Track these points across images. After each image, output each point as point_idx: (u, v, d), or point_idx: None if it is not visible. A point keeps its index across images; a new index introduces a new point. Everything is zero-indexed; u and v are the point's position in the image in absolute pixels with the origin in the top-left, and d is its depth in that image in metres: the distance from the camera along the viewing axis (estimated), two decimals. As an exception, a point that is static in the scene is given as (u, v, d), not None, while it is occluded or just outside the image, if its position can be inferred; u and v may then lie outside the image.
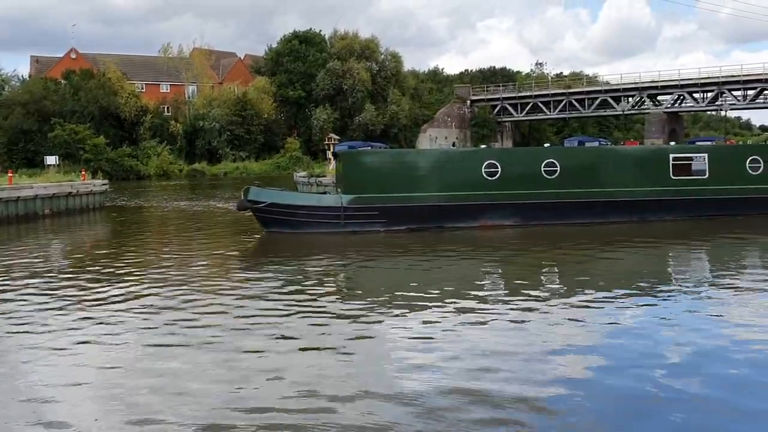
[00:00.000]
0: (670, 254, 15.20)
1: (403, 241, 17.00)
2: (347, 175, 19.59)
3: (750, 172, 20.71)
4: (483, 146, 27.70)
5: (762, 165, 20.72)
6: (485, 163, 19.27)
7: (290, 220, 18.84)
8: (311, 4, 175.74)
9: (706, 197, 20.27)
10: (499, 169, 19.22)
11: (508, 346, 7.81)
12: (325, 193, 23.46)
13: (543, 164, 19.49)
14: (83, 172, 35.27)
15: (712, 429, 5.69)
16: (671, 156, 20.42)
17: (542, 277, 12.56)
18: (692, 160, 20.62)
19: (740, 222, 19.41)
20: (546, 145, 24.22)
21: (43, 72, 74.65)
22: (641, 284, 11.39)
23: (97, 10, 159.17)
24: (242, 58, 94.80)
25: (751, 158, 20.81)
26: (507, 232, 18.58)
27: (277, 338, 8.29)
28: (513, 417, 5.81)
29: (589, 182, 19.76)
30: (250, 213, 19.82)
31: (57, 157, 41.82)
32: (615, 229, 18.67)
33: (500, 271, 13.50)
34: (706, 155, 20.66)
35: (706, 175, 20.41)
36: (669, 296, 10.49)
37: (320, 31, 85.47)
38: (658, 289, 10.98)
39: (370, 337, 8.53)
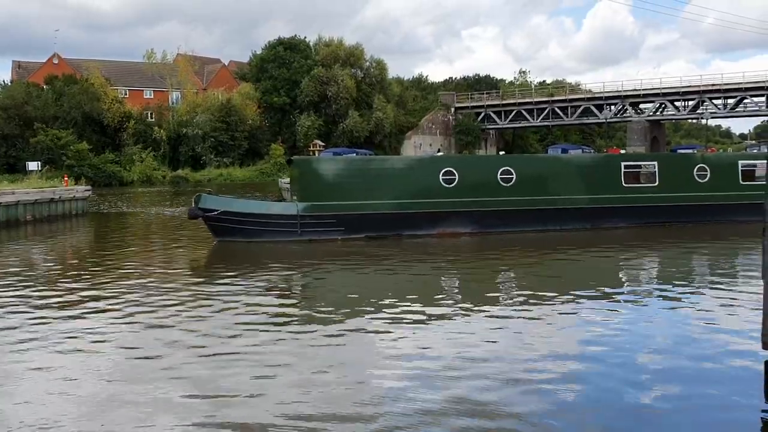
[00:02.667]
0: (620, 261, 15.36)
1: (361, 250, 16.87)
2: (303, 182, 19.25)
3: (697, 180, 21.06)
4: (440, 153, 27.85)
5: (708, 173, 21.11)
6: (442, 171, 19.20)
7: (243, 229, 18.34)
8: (297, 11, 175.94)
9: (656, 205, 20.59)
10: (457, 177, 19.18)
11: (479, 351, 7.90)
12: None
13: (499, 172, 19.54)
14: (66, 178, 35.00)
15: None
16: (623, 164, 20.70)
17: (501, 284, 12.90)
18: (643, 168, 20.92)
19: (688, 229, 19.82)
20: (546, 151, 24.19)
21: (25, 77, 74.00)
22: (594, 288, 11.64)
23: (82, 17, 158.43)
24: (227, 64, 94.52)
25: (698, 167, 21.17)
26: (464, 239, 18.71)
27: (233, 355, 7.98)
28: (494, 424, 5.87)
29: (543, 190, 19.90)
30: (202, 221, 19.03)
31: (39, 162, 41.48)
32: (569, 236, 18.95)
33: (460, 278, 13.62)
34: (656, 163, 21.02)
35: (656, 183, 20.71)
36: (616, 299, 10.89)
37: (305, 37, 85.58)
38: (608, 293, 11.41)
39: (326, 348, 8.45)
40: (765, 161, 22.15)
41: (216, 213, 18.33)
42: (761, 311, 9.47)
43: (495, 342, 8.44)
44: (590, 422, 5.92)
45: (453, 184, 19.17)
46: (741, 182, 21.47)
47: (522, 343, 8.29)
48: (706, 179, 21.10)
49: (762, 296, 9.93)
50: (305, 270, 14.25)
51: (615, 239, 18.25)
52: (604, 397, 6.50)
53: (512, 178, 19.51)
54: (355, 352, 8.18)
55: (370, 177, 19.06)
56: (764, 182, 20.94)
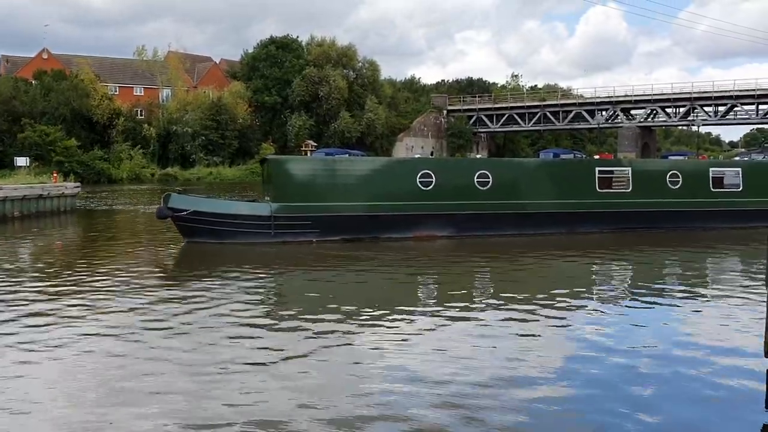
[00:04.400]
0: (599, 265, 15.26)
1: (338, 252, 16.52)
2: (277, 182, 18.71)
3: (670, 186, 21.12)
4: (418, 155, 27.63)
5: (680, 180, 21.19)
6: (420, 173, 18.99)
7: (215, 230, 17.82)
8: (290, 11, 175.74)
9: (629, 210, 20.61)
10: (434, 180, 19.00)
11: (459, 354, 7.81)
12: None
13: (476, 175, 19.41)
14: (54, 174, 34.63)
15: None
16: (597, 170, 20.68)
17: (479, 288, 12.84)
18: (617, 174, 20.96)
19: (660, 235, 19.88)
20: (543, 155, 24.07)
21: (13, 72, 73.32)
22: (573, 294, 11.62)
23: (72, 12, 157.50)
24: (218, 62, 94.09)
25: (670, 173, 21.23)
26: (441, 242, 18.54)
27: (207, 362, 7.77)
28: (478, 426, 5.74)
29: (519, 194, 19.82)
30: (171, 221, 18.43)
31: (27, 158, 41.00)
32: (543, 240, 18.90)
33: (438, 281, 13.42)
34: (629, 169, 21.03)
35: (630, 189, 20.72)
36: (600, 305, 10.88)
37: (297, 37, 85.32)
38: (588, 297, 11.49)
39: (304, 355, 8.21)
40: (735, 169, 22.35)
41: (185, 213, 17.77)
42: (758, 318, 9.56)
43: (476, 346, 8.27)
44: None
45: (430, 187, 18.95)
46: (711, 189, 21.63)
47: (505, 349, 8.12)
48: (678, 186, 21.17)
49: (763, 303, 10.01)
50: (279, 273, 13.91)
51: (590, 244, 18.23)
52: (595, 405, 6.32)
53: (489, 181, 19.39)
54: (334, 357, 7.93)
55: (347, 178, 18.71)
56: (733, 189, 21.36)
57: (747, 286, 12.23)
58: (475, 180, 19.36)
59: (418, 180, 18.90)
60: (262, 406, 6.27)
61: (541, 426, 5.89)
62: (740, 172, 22.11)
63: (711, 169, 22.04)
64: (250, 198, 25.37)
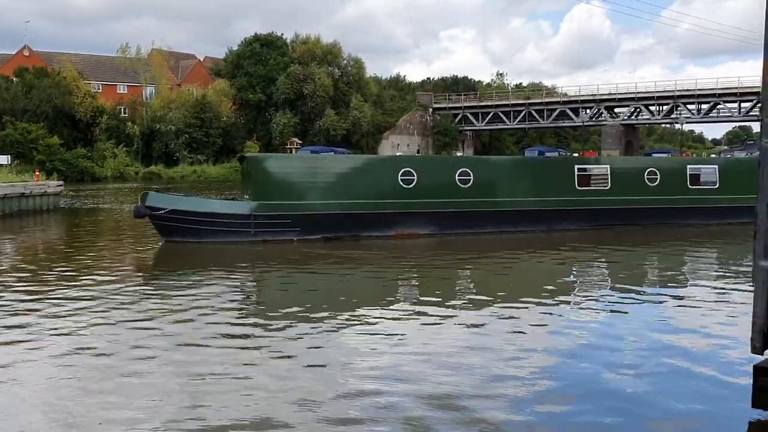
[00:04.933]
0: (579, 262, 15.36)
1: (319, 251, 16.42)
2: (257, 180, 18.52)
3: (648, 183, 21.32)
4: (399, 153, 27.59)
5: (659, 177, 21.41)
6: (401, 171, 18.95)
7: (193, 229, 17.62)
8: (274, 9, 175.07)
9: (608, 208, 20.79)
10: (415, 178, 18.96)
11: (445, 354, 7.79)
12: None
13: (457, 173, 19.43)
14: (37, 173, 34.26)
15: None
16: (576, 167, 20.83)
17: (461, 286, 12.86)
18: (596, 171, 21.09)
19: (639, 232, 20.10)
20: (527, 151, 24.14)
21: (-6, 69, 72.52)
22: (551, 289, 11.75)
23: (54, 8, 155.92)
24: (202, 60, 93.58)
25: (648, 170, 21.44)
26: (422, 240, 18.51)
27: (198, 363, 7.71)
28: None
29: (500, 192, 19.89)
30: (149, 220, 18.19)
31: (9, 156, 40.49)
32: (524, 238, 18.99)
33: (420, 280, 13.38)
34: (608, 167, 21.20)
35: (608, 187, 20.87)
36: (582, 301, 10.95)
37: (282, 34, 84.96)
38: (568, 293, 11.57)
39: (287, 357, 8.16)
40: (712, 166, 22.60)
41: (163, 212, 17.56)
42: (743, 313, 9.65)
43: (461, 344, 8.25)
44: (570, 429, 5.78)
45: (411, 185, 18.92)
46: (689, 186, 21.89)
47: (491, 347, 8.12)
48: (656, 183, 21.37)
49: (747, 299, 10.12)
50: (261, 273, 13.80)
51: (569, 241, 18.34)
52: (582, 401, 6.32)
53: (470, 179, 19.40)
54: (320, 356, 7.87)
55: (328, 176, 18.58)
56: (710, 186, 21.66)
57: (730, 282, 12.35)
58: (457, 178, 19.36)
59: (399, 178, 18.86)
60: (250, 407, 6.21)
61: (528, 422, 5.87)
62: (717, 170, 22.38)
63: (688, 166, 22.30)
64: (230, 196, 25.06)
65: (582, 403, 6.35)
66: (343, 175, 18.71)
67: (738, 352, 7.75)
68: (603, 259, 15.76)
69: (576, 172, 20.63)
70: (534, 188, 20.20)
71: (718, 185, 22.13)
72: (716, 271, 14.20)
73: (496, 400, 6.36)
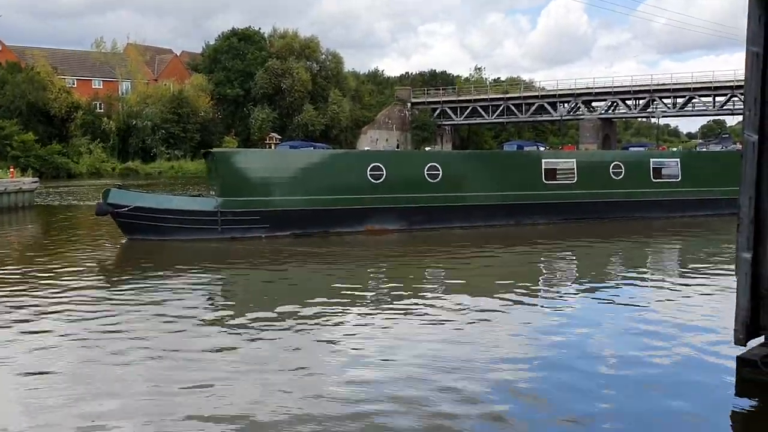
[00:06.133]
0: (542, 256, 15.42)
1: (289, 248, 16.21)
2: (225, 176, 18.09)
3: (613, 177, 21.55)
4: (367, 148, 27.50)
5: (623, 171, 21.64)
6: (370, 166, 18.84)
7: (158, 226, 17.19)
8: (252, 3, 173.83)
9: (574, 201, 20.97)
10: (384, 173, 18.89)
11: (421, 350, 7.73)
12: None
13: (426, 168, 19.41)
14: (12, 169, 33.73)
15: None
16: (543, 161, 21.00)
17: (434, 282, 12.77)
18: (562, 166, 21.29)
19: (604, 225, 20.35)
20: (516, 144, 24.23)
21: (-34, 64, 71.21)
22: (525, 282, 11.73)
23: (27, 2, 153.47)
24: (179, 54, 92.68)
25: (613, 164, 21.66)
26: (392, 236, 18.47)
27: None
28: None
29: (468, 187, 19.94)
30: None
31: (-19, 153, 39.88)
32: (494, 232, 19.07)
33: (390, 275, 13.23)
34: (574, 161, 21.41)
35: (575, 180, 21.07)
36: (558, 295, 11.00)
37: (260, 29, 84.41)
38: (545, 288, 11.63)
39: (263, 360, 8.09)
40: (674, 159, 22.96)
41: (127, 209, 17.09)
42: (721, 303, 9.75)
43: (438, 341, 8.17)
44: (552, 424, 5.77)
45: (380, 180, 18.82)
46: (652, 180, 22.15)
47: (471, 340, 8.11)
48: (621, 177, 21.59)
49: (726, 290, 10.24)
50: (230, 271, 13.49)
51: (538, 235, 18.50)
52: (563, 393, 6.32)
53: (438, 174, 19.40)
54: (294, 355, 7.75)
55: (296, 171, 18.35)
56: (673, 180, 22.01)
57: (706, 273, 12.47)
58: (425, 173, 19.33)
59: (368, 173, 18.74)
60: (225, 409, 6.08)
61: (512, 415, 5.86)
62: (678, 163, 22.70)
63: (651, 159, 22.57)
64: (195, 192, 24.44)
65: (566, 392, 6.36)
66: (311, 171, 18.46)
67: (719, 343, 7.80)
68: (575, 253, 15.84)
69: (543, 167, 20.77)
70: (501, 182, 20.30)
71: (680, 178, 22.49)
72: (699, 261, 14.25)
73: (475, 393, 6.35)
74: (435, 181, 19.34)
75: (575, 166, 21.12)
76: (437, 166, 19.47)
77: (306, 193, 18.16)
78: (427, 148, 32.44)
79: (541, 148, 23.83)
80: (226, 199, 17.64)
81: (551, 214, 20.70)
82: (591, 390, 6.48)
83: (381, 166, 18.88)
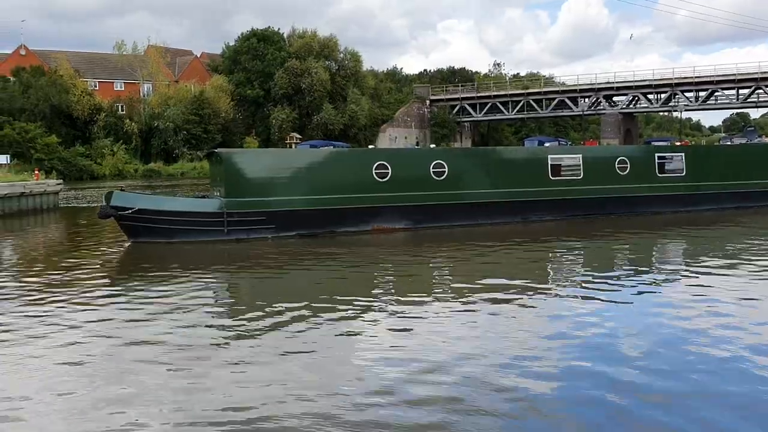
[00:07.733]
0: (550, 254, 15.25)
1: (296, 249, 16.05)
2: (230, 177, 17.79)
3: (619, 172, 21.46)
4: (371, 146, 27.24)
5: (629, 166, 21.56)
6: (375, 165, 18.70)
7: (163, 229, 16.97)
8: (269, 3, 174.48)
9: (581, 197, 20.90)
10: (390, 171, 18.76)
11: (437, 349, 7.72)
12: None
13: (431, 166, 19.28)
14: (36, 172, 34.22)
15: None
16: (549, 158, 20.84)
17: (440, 279, 12.64)
18: (568, 162, 21.12)
19: (611, 220, 20.24)
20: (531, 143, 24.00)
21: (-9, 69, 72.29)
22: (536, 279, 11.71)
23: (47, 6, 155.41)
24: (199, 56, 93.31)
25: (619, 159, 21.56)
26: (399, 235, 18.33)
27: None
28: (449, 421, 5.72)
29: (474, 184, 19.82)
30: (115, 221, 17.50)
31: (8, 156, 40.42)
32: (499, 230, 18.92)
33: (399, 274, 13.05)
34: (580, 157, 21.26)
35: (581, 176, 20.96)
36: (561, 290, 10.93)
37: (279, 29, 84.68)
38: (563, 286, 11.42)
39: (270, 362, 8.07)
40: (679, 154, 22.81)
41: (131, 211, 16.86)
42: (744, 299, 9.60)
43: (456, 339, 8.15)
44: (569, 421, 5.74)
45: (386, 179, 18.69)
46: (657, 174, 22.10)
47: (489, 340, 8.10)
48: (626, 172, 21.50)
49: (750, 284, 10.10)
50: (239, 273, 13.40)
51: (547, 232, 18.36)
52: (584, 394, 6.27)
53: (444, 171, 19.29)
54: (305, 357, 7.71)
55: (301, 171, 18.12)
56: (678, 174, 21.81)
57: (725, 268, 12.31)
58: (431, 170, 19.23)
59: (373, 171, 18.62)
60: (239, 406, 6.14)
61: (530, 414, 5.85)
62: (683, 158, 22.58)
63: (656, 154, 22.44)
64: (200, 194, 24.14)
65: (578, 389, 6.33)
66: (316, 170, 18.28)
67: (751, 337, 7.71)
68: (583, 249, 15.75)
69: (549, 163, 20.64)
70: (507, 179, 20.20)
71: (684, 173, 22.45)
72: (716, 256, 14.04)
73: (491, 394, 6.32)
74: (441, 178, 19.27)
75: (581, 162, 21.04)
76: (443, 163, 19.38)
77: (311, 193, 18.01)
78: (432, 146, 32.29)
79: (562, 144, 23.52)
80: (231, 200, 17.41)
81: (558, 210, 20.65)
82: (603, 388, 6.42)
83: (386, 164, 18.78)
